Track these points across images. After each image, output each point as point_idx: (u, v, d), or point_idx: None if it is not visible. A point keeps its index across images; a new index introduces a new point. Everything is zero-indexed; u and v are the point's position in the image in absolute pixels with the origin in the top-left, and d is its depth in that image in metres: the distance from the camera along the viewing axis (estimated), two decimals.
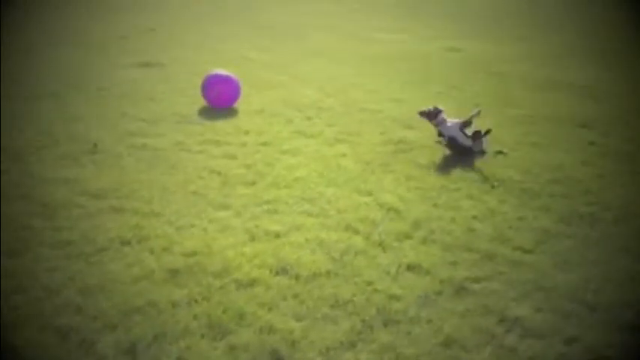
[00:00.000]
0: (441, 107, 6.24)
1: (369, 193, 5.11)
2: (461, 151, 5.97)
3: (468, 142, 5.95)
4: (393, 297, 3.67)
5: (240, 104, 7.57)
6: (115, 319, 3.34)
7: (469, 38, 12.65)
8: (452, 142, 6.01)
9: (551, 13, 16.68)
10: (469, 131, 6.01)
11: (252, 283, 3.76)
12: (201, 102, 7.66)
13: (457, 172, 5.59)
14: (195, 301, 3.53)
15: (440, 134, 6.14)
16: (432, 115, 6.19)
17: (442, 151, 6.05)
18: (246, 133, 6.60)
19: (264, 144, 6.27)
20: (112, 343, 3.16)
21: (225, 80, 7.58)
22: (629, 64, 10.38)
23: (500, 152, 6.03)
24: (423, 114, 6.30)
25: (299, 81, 8.99)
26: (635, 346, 3.31)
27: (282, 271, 3.90)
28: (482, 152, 5.99)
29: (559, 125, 7.03)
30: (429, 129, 6.39)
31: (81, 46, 11.06)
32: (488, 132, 6.01)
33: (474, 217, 4.72)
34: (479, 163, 5.81)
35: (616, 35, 13.22)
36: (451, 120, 6.13)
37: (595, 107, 7.84)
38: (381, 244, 4.28)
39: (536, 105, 7.85)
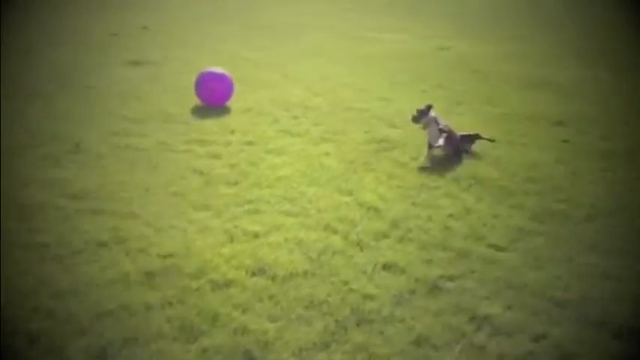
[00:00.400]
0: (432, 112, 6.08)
1: (350, 193, 5.17)
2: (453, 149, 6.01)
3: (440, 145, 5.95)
4: (368, 296, 3.73)
5: (229, 103, 7.62)
6: (86, 323, 3.38)
7: (459, 38, 12.70)
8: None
9: (541, 13, 16.74)
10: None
11: (229, 284, 3.81)
12: (190, 101, 7.70)
13: (437, 171, 5.65)
14: (170, 303, 3.58)
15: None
16: (423, 114, 6.05)
17: (424, 150, 6.11)
18: (232, 132, 6.65)
19: (249, 143, 6.32)
20: (82, 347, 3.19)
21: (219, 78, 7.62)
22: (611, 63, 10.45)
23: (490, 140, 6.16)
24: (415, 118, 6.12)
25: (289, 80, 9.04)
26: (601, 343, 3.38)
27: (259, 271, 3.96)
28: (467, 152, 6.08)
29: (536, 123, 7.10)
30: (412, 128, 6.44)
31: (71, 43, 11.08)
32: (477, 137, 6.14)
33: (451, 216, 4.78)
34: (459, 161, 5.88)
35: (600, 35, 13.30)
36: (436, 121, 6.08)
37: (573, 106, 7.91)
38: (358, 244, 4.34)
39: (517, 103, 7.92)
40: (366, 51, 11.32)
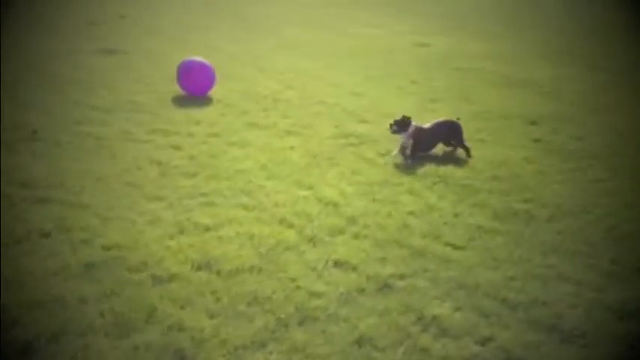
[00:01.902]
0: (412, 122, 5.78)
1: (310, 187, 5.04)
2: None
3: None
4: (314, 294, 3.60)
5: (209, 93, 7.45)
6: (16, 315, 3.23)
7: (440, 34, 12.61)
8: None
9: (522, 11, 16.72)
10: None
11: (171, 278, 3.67)
12: (160, 91, 7.55)
13: (402, 167, 5.54)
14: (106, 296, 3.44)
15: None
16: (404, 126, 5.74)
17: (393, 145, 5.99)
18: (198, 123, 6.49)
19: (214, 135, 6.17)
20: (8, 340, 3.05)
21: (202, 67, 7.46)
22: (588, 64, 10.42)
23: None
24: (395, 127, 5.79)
25: (263, 73, 8.88)
26: (549, 347, 3.27)
27: (205, 266, 3.82)
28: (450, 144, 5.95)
29: (510, 122, 7.01)
30: (381, 123, 6.33)
31: (46, 30, 10.87)
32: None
33: (411, 213, 4.67)
34: (427, 158, 5.76)
35: (579, 34, 13.29)
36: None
37: (548, 105, 7.84)
38: (312, 240, 4.21)
39: (492, 102, 7.82)
40: (344, 45, 11.19)
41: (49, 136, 5.84)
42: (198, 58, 7.54)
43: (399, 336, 3.29)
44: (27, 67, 8.21)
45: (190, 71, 7.40)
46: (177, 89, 7.55)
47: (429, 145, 5.88)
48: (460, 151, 5.92)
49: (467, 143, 5.91)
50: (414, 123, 5.78)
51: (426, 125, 5.90)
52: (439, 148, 5.96)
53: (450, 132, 5.92)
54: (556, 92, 8.56)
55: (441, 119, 6.06)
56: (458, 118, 6.01)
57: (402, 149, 5.76)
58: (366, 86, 8.35)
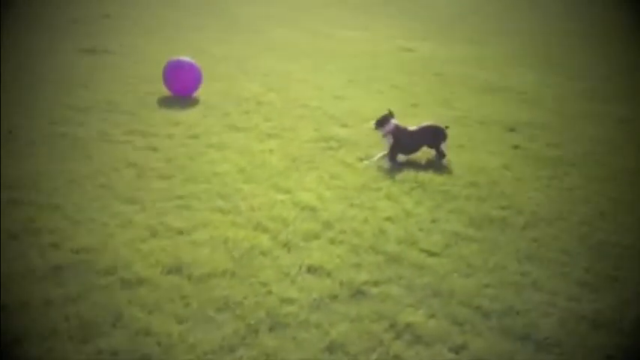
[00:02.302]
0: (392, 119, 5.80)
1: (288, 191, 4.98)
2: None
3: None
4: (286, 300, 3.55)
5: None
6: None
7: (423, 39, 12.65)
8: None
9: (507, 17, 16.84)
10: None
11: (140, 282, 3.59)
12: (140, 91, 7.46)
13: (381, 172, 5.51)
14: (72, 300, 3.35)
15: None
16: (384, 121, 5.77)
17: (373, 151, 5.95)
18: (177, 124, 6.42)
19: (193, 137, 6.10)
20: None
21: (189, 67, 7.40)
22: (570, 71, 10.50)
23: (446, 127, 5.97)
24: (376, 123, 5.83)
25: (246, 75, 8.83)
26: (523, 356, 3.25)
27: (176, 270, 3.75)
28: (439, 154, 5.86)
29: (489, 128, 7.02)
30: (363, 128, 6.30)
31: (28, 28, 10.71)
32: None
33: (388, 219, 4.63)
34: (406, 163, 5.74)
35: (561, 43, 13.40)
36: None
37: (527, 112, 7.87)
38: (286, 245, 4.16)
39: (471, 107, 7.84)
40: (328, 48, 11.18)
41: (24, 136, 5.73)
42: (185, 58, 7.48)
43: (371, 343, 3.25)
44: (5, 66, 8.07)
45: (177, 71, 7.34)
46: (158, 90, 7.48)
47: (410, 147, 5.83)
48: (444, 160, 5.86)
49: (445, 150, 5.89)
50: (394, 121, 5.76)
51: (411, 127, 5.87)
52: (422, 153, 5.92)
53: (433, 137, 5.88)
54: (536, 99, 8.60)
55: (426, 123, 6.00)
56: (446, 127, 5.95)
57: (386, 154, 5.73)
58: (348, 90, 8.34)
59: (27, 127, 5.95)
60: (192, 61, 7.49)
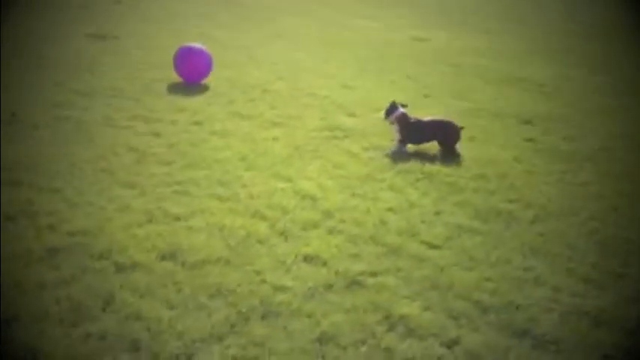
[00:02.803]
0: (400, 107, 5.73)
1: (289, 180, 4.91)
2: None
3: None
4: (280, 288, 3.48)
5: (182, 81, 7.33)
6: None
7: (440, 29, 12.45)
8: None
9: (526, 7, 16.52)
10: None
11: (134, 267, 3.55)
12: (146, 77, 7.42)
13: (387, 162, 5.41)
14: (65, 282, 3.32)
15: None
16: (392, 109, 5.71)
17: (378, 140, 5.85)
18: (181, 111, 6.36)
19: (196, 123, 6.05)
20: None
21: (200, 54, 7.36)
22: (589, 65, 10.26)
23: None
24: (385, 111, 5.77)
25: (254, 62, 8.75)
26: (519, 353, 3.15)
27: (170, 255, 3.70)
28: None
29: (503, 121, 6.87)
30: (371, 118, 6.20)
31: (37, 13, 10.70)
32: None
33: (390, 209, 4.54)
34: (414, 153, 5.63)
35: (582, 35, 13.10)
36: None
37: (544, 104, 7.69)
38: (284, 233, 4.09)
39: (487, 99, 7.68)
40: (341, 37, 11.04)
41: (28, 118, 5.71)
42: (196, 45, 7.44)
43: (363, 335, 3.17)
44: (13, 49, 8.07)
45: (188, 57, 7.30)
46: (165, 76, 7.43)
47: (418, 137, 5.70)
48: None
49: (458, 150, 5.71)
50: (401, 109, 5.67)
51: (422, 118, 5.74)
52: (432, 144, 5.78)
53: (445, 133, 5.69)
54: (554, 92, 8.42)
55: (440, 117, 5.86)
56: (462, 127, 5.75)
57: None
58: (359, 80, 8.22)
59: (30, 110, 5.94)
60: (203, 47, 7.44)
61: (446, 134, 5.72)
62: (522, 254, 4.08)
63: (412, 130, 5.66)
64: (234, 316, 3.22)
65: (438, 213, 4.56)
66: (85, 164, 4.85)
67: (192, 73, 7.35)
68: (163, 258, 3.67)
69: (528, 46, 11.42)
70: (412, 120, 5.69)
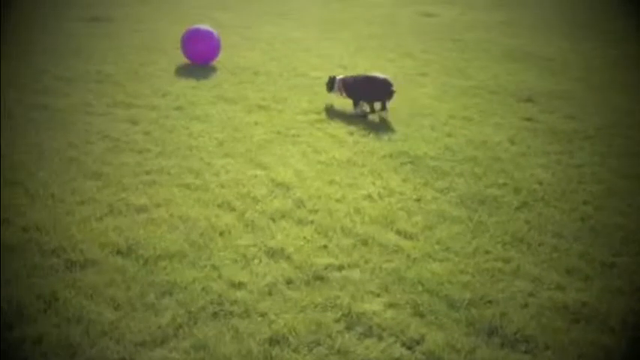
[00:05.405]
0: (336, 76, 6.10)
1: (265, 167, 4.69)
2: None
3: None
4: (236, 285, 3.29)
5: (171, 65, 7.14)
6: None
7: (447, 2, 11.96)
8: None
9: None
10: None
11: (85, 264, 3.39)
12: (134, 60, 7.24)
13: (370, 146, 5.15)
14: (8, 282, 3.18)
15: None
16: (331, 84, 6.09)
17: (368, 123, 5.60)
18: (164, 95, 6.17)
19: (178, 108, 5.85)
20: None
21: (206, 36, 7.28)
22: (605, 38, 9.70)
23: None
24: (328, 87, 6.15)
25: (248, 42, 8.49)
26: (485, 353, 2.91)
27: (126, 251, 3.53)
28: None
29: (502, 98, 6.52)
30: None
31: None
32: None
33: (367, 197, 4.30)
34: (400, 137, 5.36)
35: (601, 5, 12.44)
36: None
37: (549, 80, 7.28)
38: (250, 224, 3.89)
39: (489, 76, 7.30)
40: (341, 14, 10.69)
41: (3, 107, 5.59)
42: (204, 27, 7.39)
43: (317, 335, 2.96)
44: (2, 37, 7.94)
45: (199, 39, 7.23)
46: (154, 60, 7.26)
47: (362, 92, 5.86)
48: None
49: (388, 106, 5.83)
50: (338, 77, 6.02)
51: (356, 75, 6.10)
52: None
53: (377, 91, 5.82)
54: (562, 67, 7.97)
55: (376, 74, 5.99)
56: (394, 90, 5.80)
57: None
58: (356, 58, 7.91)
59: (8, 98, 5.81)
60: (212, 30, 7.34)
61: (378, 91, 5.83)
62: (503, 244, 3.80)
63: (356, 88, 5.89)
64: (182, 317, 3.04)
65: (418, 200, 4.30)
66: (53, 154, 4.70)
67: (201, 56, 7.25)
68: (118, 253, 3.51)
69: (539, 20, 10.89)
70: (350, 80, 5.97)
